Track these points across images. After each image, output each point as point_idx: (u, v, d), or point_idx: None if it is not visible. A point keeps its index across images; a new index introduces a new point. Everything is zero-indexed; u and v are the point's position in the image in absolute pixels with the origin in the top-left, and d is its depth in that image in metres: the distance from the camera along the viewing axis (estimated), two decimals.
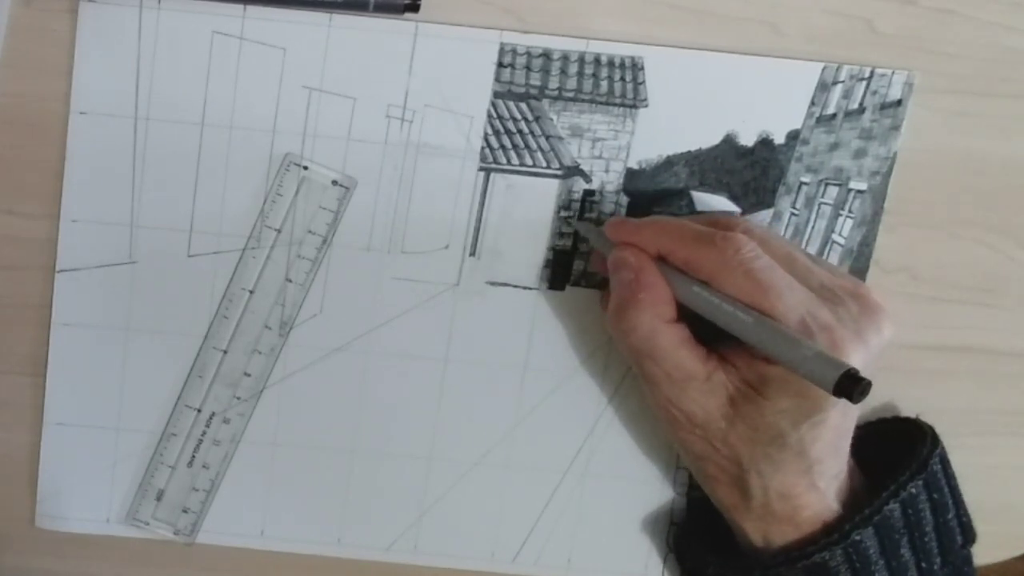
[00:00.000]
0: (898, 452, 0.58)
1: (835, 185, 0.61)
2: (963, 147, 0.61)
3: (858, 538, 0.53)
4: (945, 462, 0.57)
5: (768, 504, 0.54)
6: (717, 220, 0.56)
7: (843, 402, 0.49)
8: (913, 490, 0.55)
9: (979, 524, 0.58)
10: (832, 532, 0.54)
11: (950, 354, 0.63)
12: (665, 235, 0.55)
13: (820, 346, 0.50)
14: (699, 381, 0.54)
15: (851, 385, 0.47)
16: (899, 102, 0.60)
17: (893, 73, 0.59)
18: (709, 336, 0.54)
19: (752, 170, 0.60)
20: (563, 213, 0.60)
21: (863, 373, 0.48)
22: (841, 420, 0.53)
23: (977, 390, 0.64)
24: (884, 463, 0.57)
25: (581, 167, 0.60)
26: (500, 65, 0.58)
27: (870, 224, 0.61)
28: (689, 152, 0.60)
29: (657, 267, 0.55)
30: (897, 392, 0.64)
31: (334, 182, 0.59)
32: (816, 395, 0.51)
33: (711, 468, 0.56)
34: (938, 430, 0.58)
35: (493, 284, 0.61)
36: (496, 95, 0.59)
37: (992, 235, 0.62)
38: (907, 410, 0.63)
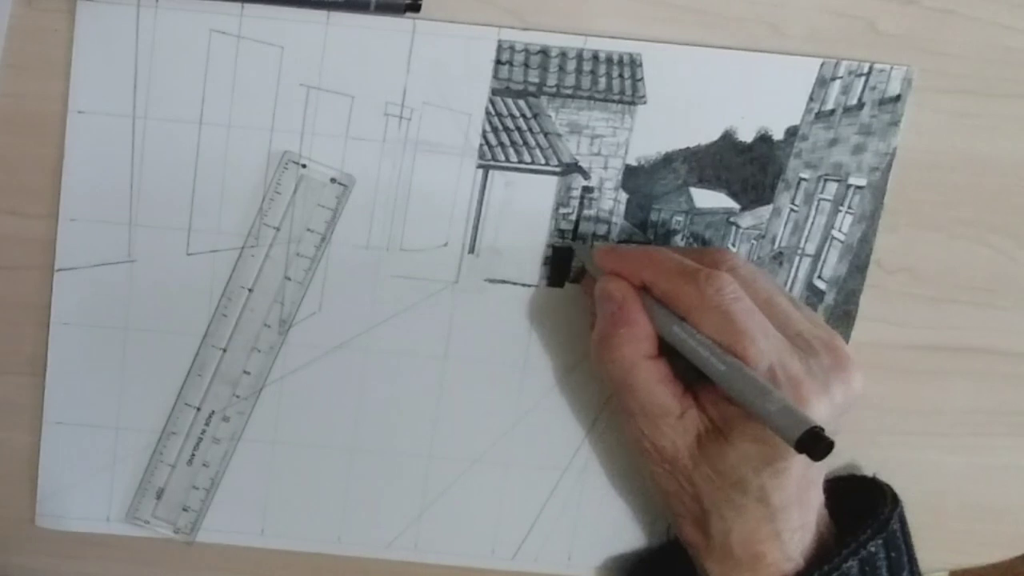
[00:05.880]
0: (858, 510, 0.58)
1: (834, 181, 0.60)
2: (963, 147, 0.61)
3: None
4: (903, 521, 0.58)
5: (728, 548, 0.54)
6: (706, 253, 0.56)
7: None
8: (872, 548, 0.55)
9: (979, 524, 0.58)
10: None
11: (950, 354, 0.63)
12: (650, 266, 0.55)
13: (787, 398, 0.49)
14: (672, 417, 0.54)
15: (814, 442, 0.47)
16: (898, 97, 0.59)
17: (892, 68, 0.59)
18: (690, 372, 0.54)
19: (751, 166, 0.60)
20: (562, 210, 0.60)
21: (826, 426, 0.47)
22: (804, 471, 0.53)
23: (977, 390, 0.64)
24: (842, 521, 0.57)
25: (580, 164, 0.60)
26: (498, 62, 0.58)
27: (870, 220, 0.61)
28: (688, 149, 0.60)
29: (642, 300, 0.55)
30: (897, 392, 0.63)
31: (332, 180, 0.59)
32: (777, 442, 0.50)
33: (677, 505, 0.56)
34: (938, 430, 0.58)
35: (492, 281, 0.61)
36: (494, 92, 0.58)
37: (992, 235, 0.62)
38: (908, 410, 0.63)
